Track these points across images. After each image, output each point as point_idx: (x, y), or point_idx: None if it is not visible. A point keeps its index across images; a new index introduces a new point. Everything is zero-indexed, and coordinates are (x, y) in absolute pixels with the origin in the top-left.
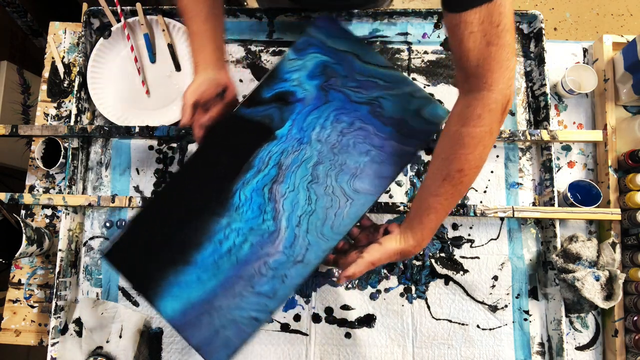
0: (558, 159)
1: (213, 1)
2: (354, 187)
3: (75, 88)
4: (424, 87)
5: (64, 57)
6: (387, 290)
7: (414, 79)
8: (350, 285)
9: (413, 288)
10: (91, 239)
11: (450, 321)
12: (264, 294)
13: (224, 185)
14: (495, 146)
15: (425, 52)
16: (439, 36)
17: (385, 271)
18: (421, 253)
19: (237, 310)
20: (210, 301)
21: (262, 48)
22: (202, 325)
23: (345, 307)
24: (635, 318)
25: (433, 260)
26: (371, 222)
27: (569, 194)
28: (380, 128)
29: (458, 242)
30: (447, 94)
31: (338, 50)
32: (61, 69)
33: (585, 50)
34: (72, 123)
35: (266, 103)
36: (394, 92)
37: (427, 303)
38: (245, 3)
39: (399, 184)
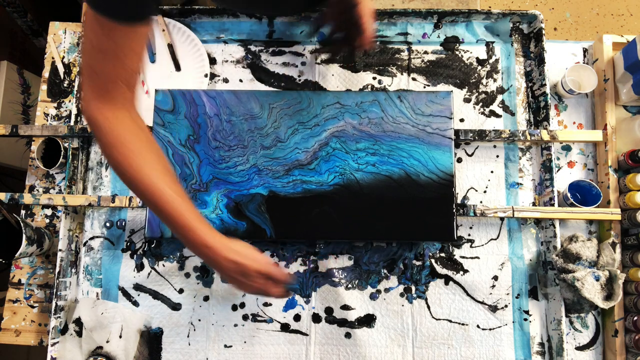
0: (558, 159)
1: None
2: None
3: (75, 88)
4: (424, 87)
5: (64, 57)
6: (387, 290)
7: (414, 79)
8: (350, 286)
9: (413, 288)
10: (91, 239)
11: (450, 321)
12: None
13: None
14: (495, 146)
15: (425, 52)
16: (438, 36)
17: (385, 271)
18: (421, 253)
19: None
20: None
21: (262, 48)
22: None
23: (345, 307)
24: (635, 318)
25: (433, 260)
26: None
27: (569, 194)
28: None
29: (458, 242)
30: None
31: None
32: (61, 69)
33: (585, 50)
34: (72, 123)
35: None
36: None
37: (427, 303)
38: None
39: None
